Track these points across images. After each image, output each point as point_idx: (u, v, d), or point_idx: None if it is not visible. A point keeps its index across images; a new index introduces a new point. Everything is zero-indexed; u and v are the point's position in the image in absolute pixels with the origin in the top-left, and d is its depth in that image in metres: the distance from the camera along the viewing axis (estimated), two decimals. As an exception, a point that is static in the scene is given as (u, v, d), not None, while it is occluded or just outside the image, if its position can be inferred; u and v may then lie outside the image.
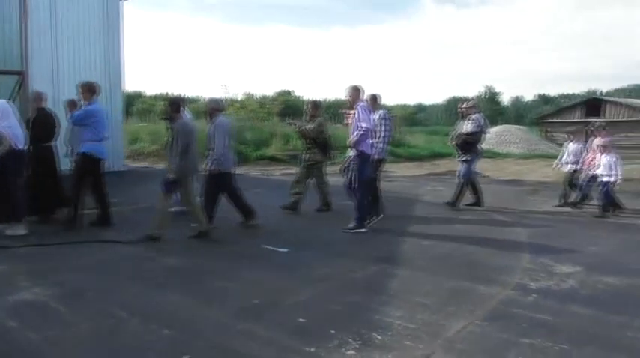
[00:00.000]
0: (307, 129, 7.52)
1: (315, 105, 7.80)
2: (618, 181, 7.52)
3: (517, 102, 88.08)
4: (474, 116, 7.90)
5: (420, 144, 23.15)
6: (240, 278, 4.56)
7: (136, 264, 5.04)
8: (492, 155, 21.86)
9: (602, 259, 5.13)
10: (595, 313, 3.68)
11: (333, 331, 3.37)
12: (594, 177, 7.89)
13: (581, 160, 8.38)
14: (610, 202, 7.64)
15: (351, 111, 6.37)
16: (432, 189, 11.12)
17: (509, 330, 3.35)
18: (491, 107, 78.72)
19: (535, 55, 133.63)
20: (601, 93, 76.52)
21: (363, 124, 6.14)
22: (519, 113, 77.65)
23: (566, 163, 8.63)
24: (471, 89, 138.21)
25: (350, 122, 6.42)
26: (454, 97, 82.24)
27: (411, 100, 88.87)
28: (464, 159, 7.95)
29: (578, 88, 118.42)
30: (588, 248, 5.61)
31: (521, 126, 31.94)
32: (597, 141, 8.07)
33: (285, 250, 5.56)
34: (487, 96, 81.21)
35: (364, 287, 4.37)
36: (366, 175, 6.36)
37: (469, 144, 7.88)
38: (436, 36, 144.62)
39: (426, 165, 18.60)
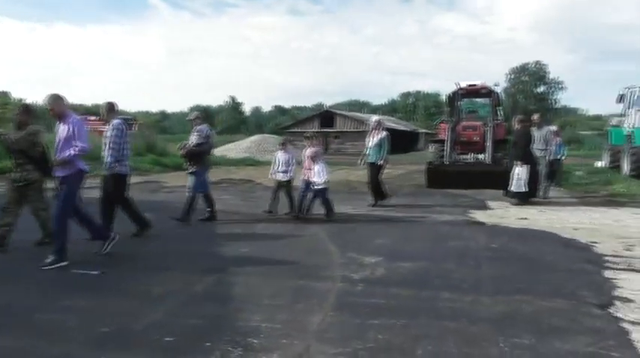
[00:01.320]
0: (12, 138, 6.03)
1: (26, 109, 6.38)
2: (324, 185, 8.20)
3: (257, 112, 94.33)
4: (198, 127, 8.02)
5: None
6: (69, 309, 4.09)
7: None
8: (254, 163, 23.24)
9: (391, 249, 6.18)
10: (411, 292, 4.52)
11: (208, 343, 3.40)
12: (310, 184, 8.37)
13: (290, 169, 8.79)
14: (327, 205, 8.34)
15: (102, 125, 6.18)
16: (217, 197, 11.32)
17: (358, 316, 3.90)
18: (234, 116, 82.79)
19: (271, 68, 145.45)
20: (325, 106, 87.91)
21: (79, 143, 5.36)
22: (259, 123, 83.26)
23: (279, 172, 8.85)
24: (216, 98, 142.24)
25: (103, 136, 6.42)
26: (198, 105, 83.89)
27: (153, 107, 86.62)
28: (191, 171, 7.96)
29: (308, 101, 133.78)
30: (376, 241, 6.68)
31: (275, 136, 34.39)
32: (308, 151, 8.61)
33: (97, 272, 5.12)
34: (231, 106, 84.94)
35: (212, 298, 4.42)
36: (70, 199, 5.48)
37: (196, 156, 7.94)
38: (174, 42, 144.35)
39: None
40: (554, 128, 12.05)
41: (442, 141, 14.66)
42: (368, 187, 10.09)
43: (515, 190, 9.81)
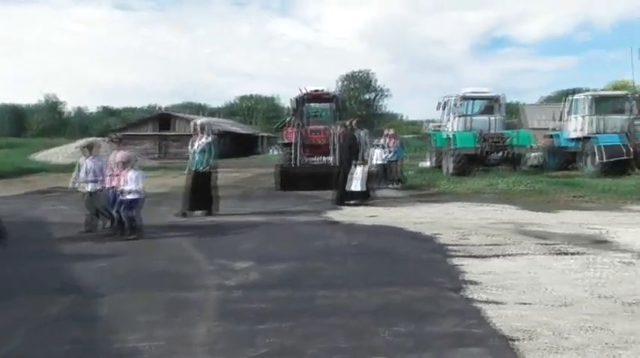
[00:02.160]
0: None
1: None
2: (137, 195, 7.01)
3: (81, 113, 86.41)
4: None
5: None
6: None
7: None
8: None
9: (259, 252, 6.17)
10: (289, 293, 4.59)
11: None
12: (120, 193, 7.04)
13: (100, 178, 7.48)
14: (132, 220, 7.01)
15: None
16: (54, 208, 10.17)
17: (243, 323, 3.84)
18: (52, 117, 74.61)
19: (97, 65, 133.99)
20: (161, 108, 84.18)
21: None
22: (84, 124, 76.36)
23: (87, 182, 7.51)
24: (28, 96, 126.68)
25: None
26: (8, 104, 73.88)
27: None
28: None
29: (140, 101, 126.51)
30: (242, 245, 6.63)
31: (104, 139, 31.68)
32: (118, 156, 7.29)
33: None
34: (48, 105, 76.49)
35: (74, 320, 3.97)
36: None
37: None
38: None
39: (16, 182, 16.46)
40: (391, 131, 13.18)
41: (290, 145, 15.05)
42: (183, 195, 9.15)
43: (353, 189, 10.35)
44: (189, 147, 9.19)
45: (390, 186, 13.79)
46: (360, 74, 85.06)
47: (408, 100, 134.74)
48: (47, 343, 3.48)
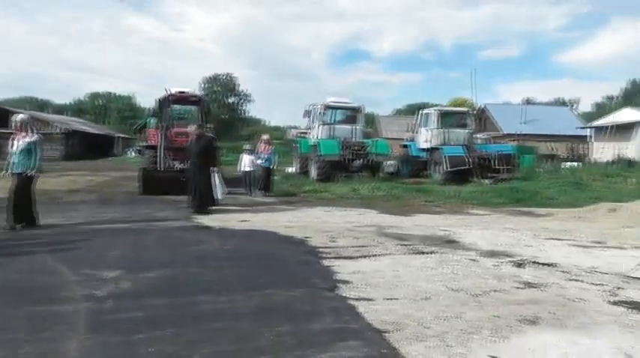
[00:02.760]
0: None
1: None
2: None
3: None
4: None
5: None
6: None
7: None
8: None
9: (129, 260, 5.87)
10: (167, 300, 4.45)
11: None
12: None
13: None
14: None
15: None
16: None
17: (119, 333, 3.68)
18: None
19: None
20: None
21: None
22: None
23: None
24: None
25: None
26: None
27: None
28: None
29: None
30: (109, 253, 6.24)
31: None
32: None
33: None
34: None
35: None
36: None
37: None
38: None
39: None
40: (265, 137, 13.31)
41: (154, 147, 14.47)
42: (7, 205, 7.78)
43: (219, 197, 10.40)
44: (9, 147, 7.86)
45: (258, 193, 13.50)
46: (223, 77, 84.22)
47: (269, 106, 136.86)
48: None
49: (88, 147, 48.85)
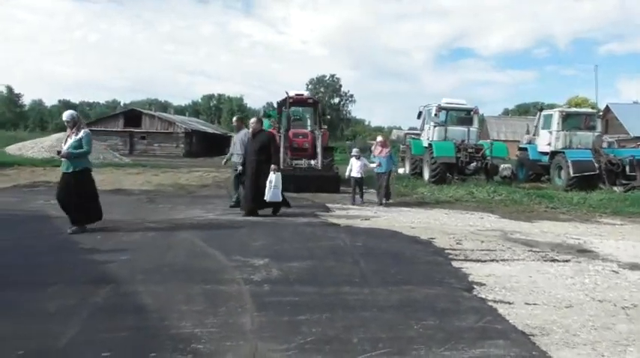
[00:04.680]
0: None
1: None
2: None
3: (39, 106, 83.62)
4: None
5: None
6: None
7: None
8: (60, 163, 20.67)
9: (272, 250, 6.43)
10: (315, 288, 4.89)
11: (153, 354, 3.32)
12: None
13: None
14: None
15: None
16: (47, 202, 10.04)
17: (283, 314, 4.15)
18: (11, 110, 72.00)
19: (53, 58, 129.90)
20: (121, 103, 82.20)
21: None
22: (43, 119, 73.88)
23: None
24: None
25: None
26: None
27: None
28: None
29: (99, 96, 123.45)
30: (253, 243, 6.88)
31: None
32: None
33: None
34: (6, 97, 73.99)
35: (122, 309, 4.17)
36: None
37: None
38: None
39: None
40: (380, 139, 13.22)
41: (274, 147, 15.31)
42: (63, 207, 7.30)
43: (270, 199, 9.17)
44: (63, 144, 7.41)
45: (379, 202, 11.71)
46: (328, 79, 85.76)
47: (370, 106, 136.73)
48: (105, 330, 3.68)
49: (205, 146, 52.48)
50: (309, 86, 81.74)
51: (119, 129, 49.52)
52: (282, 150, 14.63)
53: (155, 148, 49.00)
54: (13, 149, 28.43)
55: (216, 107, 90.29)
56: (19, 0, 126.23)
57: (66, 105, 78.96)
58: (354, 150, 12.62)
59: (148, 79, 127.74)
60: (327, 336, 3.72)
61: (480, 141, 17.99)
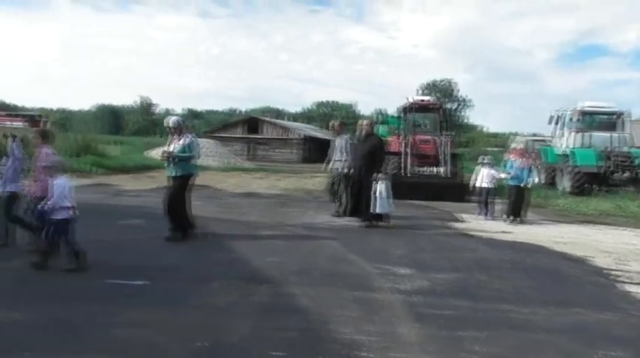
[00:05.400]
0: None
1: None
2: (65, 215, 5.13)
3: (168, 114, 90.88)
4: None
5: (119, 155, 21.76)
6: (141, 323, 3.81)
7: None
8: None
9: (413, 260, 6.28)
10: (468, 303, 4.65)
11: (324, 360, 3.31)
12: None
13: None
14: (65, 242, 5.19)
15: None
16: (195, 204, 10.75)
17: (441, 328, 3.97)
18: (146, 118, 79.51)
19: (179, 70, 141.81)
20: (240, 111, 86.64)
21: None
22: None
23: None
24: (125, 97, 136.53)
25: None
26: (107, 105, 79.84)
27: (51, 104, 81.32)
28: None
29: (218, 105, 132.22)
30: (392, 251, 6.77)
31: (210, 140, 33.44)
32: (44, 157, 5.56)
33: (141, 282, 4.79)
34: (143, 107, 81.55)
35: (283, 309, 4.29)
36: None
37: None
38: (73, 38, 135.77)
39: (142, 177, 17.67)
40: (519, 146, 12.06)
41: (396, 154, 15.09)
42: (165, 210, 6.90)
43: (379, 211, 8.36)
44: (167, 149, 7.10)
45: (505, 218, 10.10)
46: (442, 83, 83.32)
47: (485, 111, 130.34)
48: (271, 329, 3.80)
49: (321, 152, 53.60)
50: (419, 91, 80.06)
51: (239, 136, 52.43)
52: (404, 157, 14.46)
53: (272, 154, 51.15)
54: (151, 154, 31.19)
55: (327, 114, 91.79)
56: (151, 20, 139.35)
57: (192, 113, 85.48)
58: (487, 158, 11.49)
59: (262, 87, 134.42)
60: (494, 356, 3.49)
61: (631, 149, 16.06)
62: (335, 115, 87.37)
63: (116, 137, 52.41)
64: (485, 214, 10.43)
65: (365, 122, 9.11)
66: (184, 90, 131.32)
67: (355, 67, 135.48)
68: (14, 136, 6.15)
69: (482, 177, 10.76)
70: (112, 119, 76.00)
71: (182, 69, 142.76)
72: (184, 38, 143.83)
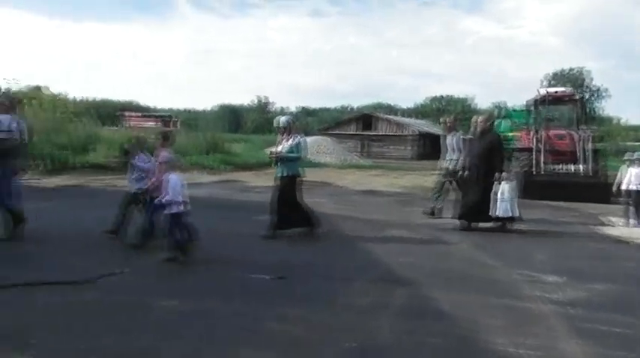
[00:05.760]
0: None
1: None
2: (178, 209, 5.38)
3: (284, 113, 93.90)
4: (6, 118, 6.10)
5: (243, 153, 22.95)
6: (289, 318, 3.90)
7: (128, 313, 3.88)
8: (314, 165, 22.67)
9: (558, 266, 5.75)
10: (628, 319, 4.11)
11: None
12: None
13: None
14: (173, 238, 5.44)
15: None
16: (310, 200, 10.93)
17: (610, 346, 3.54)
18: (262, 116, 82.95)
19: (293, 69, 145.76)
20: (352, 108, 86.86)
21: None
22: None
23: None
24: (244, 98, 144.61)
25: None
26: (227, 105, 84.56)
27: (177, 105, 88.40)
28: None
29: (331, 102, 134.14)
30: (534, 256, 6.28)
31: (326, 138, 34.05)
32: (161, 155, 5.93)
33: (282, 279, 4.91)
34: (260, 106, 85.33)
35: (424, 313, 4.12)
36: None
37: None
38: (197, 42, 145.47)
39: (261, 174, 18.44)
40: None
41: (527, 149, 14.12)
42: (273, 211, 6.90)
43: (502, 215, 7.63)
44: (276, 148, 7.07)
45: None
46: (572, 73, 76.58)
47: (621, 101, 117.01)
48: (419, 333, 3.67)
49: (436, 148, 52.12)
50: (544, 82, 74.34)
51: (353, 133, 52.72)
52: (536, 154, 13.45)
53: (387, 151, 50.70)
54: (267, 151, 32.55)
55: (441, 109, 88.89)
56: (267, 22, 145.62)
57: (305, 111, 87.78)
58: (636, 154, 9.57)
59: (373, 83, 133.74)
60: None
61: None
62: (449, 110, 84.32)
63: (237, 135, 55.43)
64: (631, 223, 8.87)
65: (480, 118, 8.38)
66: (297, 88, 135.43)
67: (470, 60, 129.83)
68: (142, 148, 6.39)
69: (631, 177, 9.17)
70: (232, 118, 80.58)
71: (295, 68, 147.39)
72: (297, 38, 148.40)
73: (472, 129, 8.57)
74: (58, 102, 20.74)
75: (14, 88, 18.22)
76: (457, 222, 7.91)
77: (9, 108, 6.14)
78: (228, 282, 4.84)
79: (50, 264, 5.21)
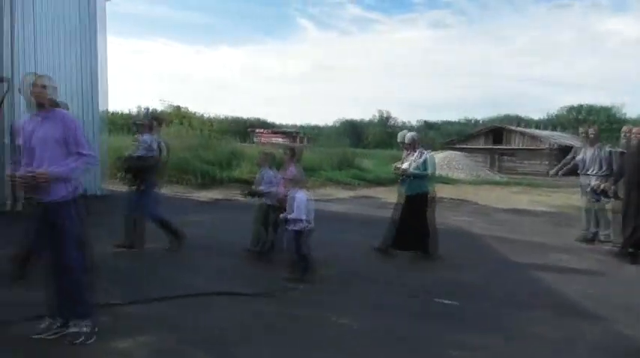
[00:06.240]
0: None
1: None
2: (302, 226, 5.37)
3: (405, 127, 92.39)
4: (142, 137, 6.53)
5: (374, 168, 23.00)
6: (478, 347, 3.73)
7: (304, 327, 4.02)
8: (447, 181, 21.92)
9: None
10: None
11: None
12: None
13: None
14: (300, 256, 5.44)
15: None
16: (455, 218, 10.62)
17: None
18: (383, 131, 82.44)
19: (415, 83, 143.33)
20: (476, 121, 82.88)
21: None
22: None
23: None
24: (364, 113, 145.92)
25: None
26: (348, 120, 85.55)
27: (302, 121, 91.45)
28: (140, 188, 6.42)
29: (453, 115, 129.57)
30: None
31: (459, 153, 33.04)
32: (288, 171, 6.11)
33: (456, 303, 4.75)
34: (380, 120, 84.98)
35: (629, 353, 3.72)
36: None
37: (139, 171, 6.40)
38: (321, 59, 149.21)
39: (394, 190, 18.32)
40: None
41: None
42: (388, 228, 6.78)
43: None
44: (401, 165, 6.81)
45: None
46: None
47: None
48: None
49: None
50: None
51: (481, 147, 50.32)
52: None
53: (520, 165, 47.52)
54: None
55: (581, 119, 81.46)
56: (389, 37, 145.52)
57: (427, 125, 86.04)
58: None
59: (498, 94, 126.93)
60: None
61: None
62: (591, 120, 76.80)
63: (359, 150, 56.10)
64: None
65: (636, 129, 7.40)
66: (418, 102, 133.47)
67: (614, 64, 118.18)
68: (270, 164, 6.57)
69: None
70: (353, 133, 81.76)
71: (416, 81, 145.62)
72: (417, 51, 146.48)
73: (623, 141, 7.64)
74: (205, 122, 22.59)
75: (161, 108, 20.27)
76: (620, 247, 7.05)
77: (150, 128, 6.58)
78: (403, 302, 4.80)
79: (227, 275, 5.55)
